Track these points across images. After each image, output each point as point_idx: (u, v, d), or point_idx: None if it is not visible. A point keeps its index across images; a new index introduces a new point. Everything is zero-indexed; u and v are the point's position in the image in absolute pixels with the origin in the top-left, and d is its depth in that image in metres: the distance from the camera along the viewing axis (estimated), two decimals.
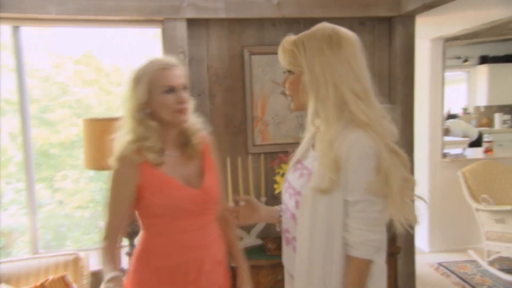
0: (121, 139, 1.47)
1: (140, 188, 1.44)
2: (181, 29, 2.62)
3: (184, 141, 1.55)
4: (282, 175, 2.52)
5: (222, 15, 2.64)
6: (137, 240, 1.78)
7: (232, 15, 2.65)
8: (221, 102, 2.77)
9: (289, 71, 1.30)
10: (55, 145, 4.28)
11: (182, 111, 1.45)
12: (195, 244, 1.51)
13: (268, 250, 2.62)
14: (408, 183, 1.23)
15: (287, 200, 1.36)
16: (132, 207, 1.48)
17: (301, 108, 1.29)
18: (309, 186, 1.23)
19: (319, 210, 1.21)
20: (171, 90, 1.44)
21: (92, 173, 4.13)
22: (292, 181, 1.35)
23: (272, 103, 2.81)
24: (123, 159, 1.43)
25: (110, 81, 4.45)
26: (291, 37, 1.29)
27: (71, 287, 2.14)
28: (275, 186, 2.55)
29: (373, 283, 1.25)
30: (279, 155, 2.67)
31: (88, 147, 2.14)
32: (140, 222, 1.54)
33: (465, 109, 7.55)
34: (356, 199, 1.18)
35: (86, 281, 2.32)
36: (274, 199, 2.83)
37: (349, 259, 1.22)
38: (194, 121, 1.57)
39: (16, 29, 2.63)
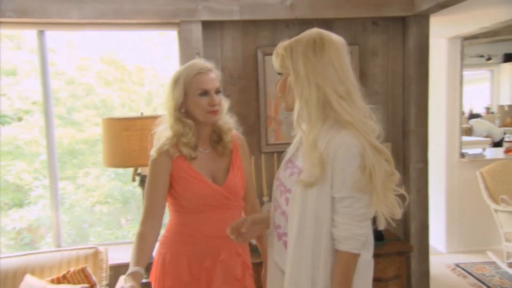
0: (161, 133, 1.63)
1: (171, 179, 1.61)
2: (197, 31, 2.70)
3: (216, 139, 1.69)
4: None
5: (236, 17, 2.70)
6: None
7: (246, 17, 2.71)
8: (235, 102, 2.82)
9: (280, 74, 1.39)
10: (79, 144, 4.44)
11: (213, 113, 1.60)
12: (214, 235, 1.63)
13: None
14: (392, 177, 1.28)
15: (278, 197, 1.41)
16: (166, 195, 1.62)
17: (291, 108, 1.35)
18: (297, 179, 1.29)
19: (308, 206, 1.27)
20: (205, 93, 1.59)
21: (112, 170, 4.28)
22: (283, 179, 1.40)
23: None
24: (161, 151, 1.59)
25: (132, 81, 4.59)
26: (284, 43, 1.38)
27: (91, 279, 2.24)
28: None
29: (359, 277, 1.30)
30: None
31: (107, 146, 2.24)
32: (168, 209, 1.67)
33: (488, 109, 7.40)
34: (343, 196, 1.24)
35: (105, 274, 2.42)
36: None
37: (336, 254, 1.27)
38: (226, 120, 1.70)
39: (41, 33, 2.76)
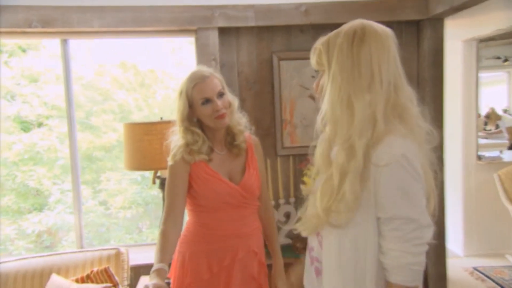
0: (176, 142, 1.71)
1: (190, 179, 1.68)
2: (213, 37, 2.77)
3: (231, 140, 1.75)
4: (310, 176, 2.61)
5: (251, 23, 2.76)
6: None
7: (261, 23, 2.77)
8: (251, 106, 2.89)
9: (317, 71, 1.26)
10: (97, 149, 4.55)
11: (221, 117, 1.65)
12: (231, 234, 1.69)
13: (296, 249, 2.71)
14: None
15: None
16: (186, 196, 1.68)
17: None
18: None
19: (346, 229, 1.11)
20: (207, 101, 1.64)
21: (132, 175, 4.37)
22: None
23: (300, 107, 2.90)
24: (176, 158, 1.67)
25: (149, 87, 4.68)
26: (324, 37, 1.23)
27: (114, 279, 2.31)
28: (302, 187, 2.64)
29: None
30: (307, 157, 2.76)
31: (128, 149, 2.31)
32: (187, 210, 1.73)
33: (505, 111, 7.29)
34: (389, 216, 1.07)
35: (126, 274, 2.49)
36: (303, 200, 2.92)
37: (387, 286, 1.10)
38: (238, 120, 1.76)
39: (64, 42, 2.87)
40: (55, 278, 2.34)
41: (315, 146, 1.27)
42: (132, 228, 4.60)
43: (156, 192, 4.35)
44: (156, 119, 2.52)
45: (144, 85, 4.64)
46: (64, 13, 2.61)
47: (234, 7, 2.74)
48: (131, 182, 4.50)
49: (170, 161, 1.69)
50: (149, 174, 4.24)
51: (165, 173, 2.44)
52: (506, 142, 5.99)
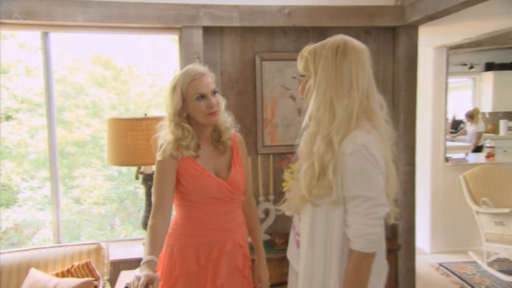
0: (164, 137, 1.74)
1: (178, 175, 1.71)
2: (198, 36, 2.80)
3: (217, 137, 1.81)
4: (291, 173, 2.69)
5: (236, 23, 2.82)
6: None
7: (245, 23, 2.83)
8: (233, 105, 2.94)
9: (302, 76, 1.46)
10: (70, 144, 4.47)
11: (213, 114, 1.70)
12: (219, 227, 1.75)
13: (275, 245, 2.79)
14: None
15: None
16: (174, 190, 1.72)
17: None
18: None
19: (319, 207, 1.34)
20: (202, 96, 1.69)
21: (108, 171, 4.33)
22: None
23: (281, 106, 2.98)
24: (165, 154, 1.70)
25: (124, 83, 4.64)
26: (310, 46, 1.43)
27: (95, 273, 2.31)
28: (283, 184, 2.72)
29: (372, 281, 1.33)
30: (287, 155, 2.84)
31: (112, 145, 2.32)
32: (174, 204, 1.77)
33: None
34: (352, 195, 1.29)
35: (106, 269, 2.50)
36: (283, 196, 3.00)
37: (349, 253, 1.31)
38: (224, 119, 1.81)
39: (45, 34, 2.83)
40: (34, 272, 2.32)
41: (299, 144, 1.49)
42: (104, 224, 4.54)
43: (132, 188, 4.32)
44: (133, 115, 2.54)
45: (119, 81, 4.59)
46: (47, 6, 2.59)
47: (219, 7, 2.78)
48: (106, 178, 4.45)
49: (159, 156, 1.71)
50: (125, 170, 4.22)
51: (148, 169, 2.47)
52: (469, 144, 6.30)
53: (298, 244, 1.43)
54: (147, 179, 2.47)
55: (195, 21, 2.77)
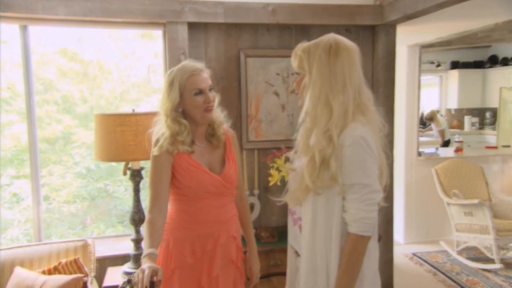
0: (159, 132, 1.74)
1: (173, 170, 1.72)
2: (182, 31, 2.80)
3: (211, 133, 1.83)
4: (277, 169, 2.75)
5: (220, 20, 2.83)
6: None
7: (230, 20, 2.85)
8: (218, 101, 2.96)
9: (297, 73, 1.53)
10: (39, 141, 4.34)
11: (209, 110, 1.74)
12: (213, 220, 1.78)
13: (261, 238, 2.84)
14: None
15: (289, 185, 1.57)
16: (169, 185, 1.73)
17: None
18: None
19: (320, 195, 1.43)
20: (200, 92, 1.71)
21: (77, 168, 4.24)
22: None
23: (265, 103, 3.03)
24: (161, 150, 1.71)
25: (95, 77, 4.54)
26: (303, 44, 1.49)
27: (83, 269, 2.30)
28: (270, 179, 2.77)
29: (366, 265, 1.44)
30: (272, 150, 2.89)
31: (100, 141, 2.30)
32: (170, 198, 1.78)
33: (437, 111, 7.96)
34: (351, 183, 1.39)
35: (93, 265, 2.48)
36: (267, 191, 3.06)
37: (347, 235, 1.41)
38: (218, 114, 1.84)
39: (23, 28, 2.76)
40: (19, 271, 2.28)
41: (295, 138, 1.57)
42: (75, 223, 4.45)
43: (102, 185, 4.24)
44: (103, 111, 2.52)
45: (90, 76, 4.49)
46: None
47: (204, 3, 2.79)
48: (76, 175, 4.36)
49: (155, 152, 1.72)
50: (93, 166, 4.14)
51: (136, 165, 2.47)
52: (438, 139, 6.56)
53: (300, 228, 1.52)
54: (135, 175, 2.46)
55: (180, 17, 2.77)
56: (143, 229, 1.68)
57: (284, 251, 2.78)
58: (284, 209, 1.73)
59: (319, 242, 1.44)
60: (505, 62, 7.53)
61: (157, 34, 3.10)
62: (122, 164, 2.49)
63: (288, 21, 2.94)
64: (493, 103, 7.56)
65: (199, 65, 1.76)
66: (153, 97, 4.02)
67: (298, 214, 1.56)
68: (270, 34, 3.05)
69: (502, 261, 3.80)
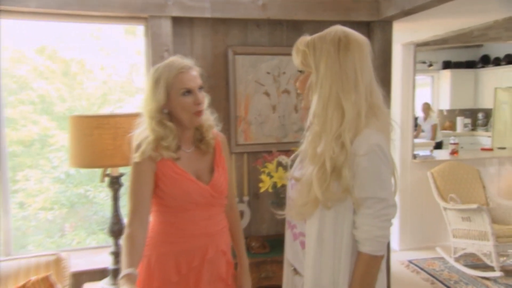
0: (141, 136, 1.57)
1: (156, 178, 1.55)
2: (166, 27, 2.61)
3: (199, 137, 1.66)
4: (268, 174, 2.56)
5: (207, 14, 2.64)
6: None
7: (218, 14, 2.66)
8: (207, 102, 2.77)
9: (300, 71, 1.37)
10: (14, 144, 4.09)
11: (199, 113, 1.57)
12: (200, 233, 1.61)
13: (251, 249, 2.65)
14: None
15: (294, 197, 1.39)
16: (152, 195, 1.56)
17: (308, 106, 1.33)
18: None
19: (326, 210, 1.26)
20: (189, 91, 1.55)
21: (55, 173, 4.00)
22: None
23: (255, 103, 2.84)
24: (143, 156, 1.53)
25: (75, 76, 4.30)
26: (305, 38, 1.33)
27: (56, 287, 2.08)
28: (261, 185, 2.58)
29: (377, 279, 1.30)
30: (263, 154, 2.70)
31: (75, 145, 2.09)
32: (151, 210, 1.60)
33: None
34: (365, 196, 1.23)
35: (67, 282, 2.26)
36: (257, 198, 2.87)
37: (358, 255, 1.26)
38: (208, 117, 1.67)
39: None
40: None
41: (301, 142, 1.40)
42: (53, 231, 4.21)
43: (82, 190, 4.01)
44: (84, 112, 2.31)
45: (69, 75, 4.25)
46: None
47: None
48: (54, 180, 4.12)
49: (136, 158, 1.54)
50: (73, 171, 3.90)
51: (116, 171, 2.26)
52: (431, 141, 6.44)
53: (303, 244, 1.35)
54: (114, 182, 2.26)
55: (163, 11, 2.58)
56: (122, 244, 1.49)
57: (277, 262, 2.61)
58: (275, 216, 1.58)
59: (326, 262, 1.28)
60: (497, 62, 7.45)
61: (142, 30, 2.89)
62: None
63: (279, 17, 2.77)
64: (485, 103, 7.48)
65: (188, 62, 1.60)
66: (138, 97, 3.81)
67: (299, 229, 1.39)
68: (261, 30, 2.86)
69: (502, 268, 3.66)
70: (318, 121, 1.27)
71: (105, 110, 3.61)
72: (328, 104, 1.25)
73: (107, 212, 3.31)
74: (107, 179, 2.27)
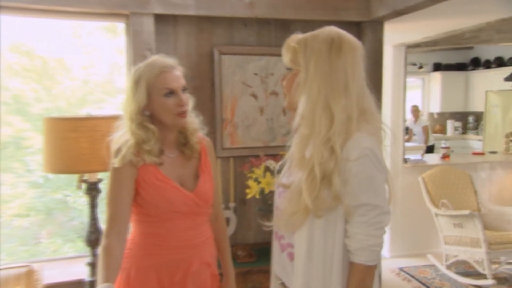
0: (120, 139, 1.48)
1: (137, 185, 1.46)
2: (148, 24, 2.49)
3: (183, 141, 1.56)
4: (255, 179, 2.44)
5: (191, 12, 2.53)
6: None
7: (202, 12, 2.55)
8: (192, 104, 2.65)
9: (289, 69, 1.30)
10: None
11: (182, 114, 1.48)
12: (183, 245, 1.52)
13: (237, 258, 2.53)
14: None
15: (281, 205, 1.32)
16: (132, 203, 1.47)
17: (294, 108, 1.26)
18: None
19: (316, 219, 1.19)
20: (171, 92, 1.46)
21: (31, 177, 3.83)
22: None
23: (242, 105, 2.73)
24: (123, 161, 1.44)
25: (52, 76, 4.13)
26: (297, 36, 1.28)
27: None
28: (247, 191, 2.46)
29: None
30: (250, 159, 2.59)
31: (49, 149, 1.96)
32: (131, 219, 1.50)
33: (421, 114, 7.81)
34: (358, 204, 1.16)
35: None
36: (244, 204, 2.75)
37: (351, 266, 1.20)
38: (192, 120, 1.57)
39: None
40: None
41: (289, 146, 1.32)
42: (28, 238, 4.03)
43: (61, 195, 3.85)
44: (72, 114, 2.19)
45: (46, 74, 4.09)
46: None
47: None
48: (30, 185, 3.95)
49: (116, 163, 1.44)
50: (51, 175, 3.73)
51: (93, 177, 2.13)
52: (422, 145, 6.38)
53: (291, 256, 1.28)
54: (92, 188, 2.13)
55: (145, 8, 2.46)
56: (99, 256, 1.38)
57: (264, 272, 2.49)
58: (262, 228, 1.47)
59: (316, 274, 1.21)
60: (487, 64, 7.43)
61: (123, 28, 2.77)
62: None
63: (267, 15, 2.66)
64: (476, 107, 7.45)
65: (171, 61, 1.51)
66: (119, 98, 3.67)
67: (287, 240, 1.30)
68: (248, 29, 2.75)
69: (494, 276, 3.58)
70: (305, 124, 1.21)
71: (82, 112, 3.46)
72: (316, 106, 1.19)
73: (86, 218, 3.15)
74: (84, 185, 2.14)
